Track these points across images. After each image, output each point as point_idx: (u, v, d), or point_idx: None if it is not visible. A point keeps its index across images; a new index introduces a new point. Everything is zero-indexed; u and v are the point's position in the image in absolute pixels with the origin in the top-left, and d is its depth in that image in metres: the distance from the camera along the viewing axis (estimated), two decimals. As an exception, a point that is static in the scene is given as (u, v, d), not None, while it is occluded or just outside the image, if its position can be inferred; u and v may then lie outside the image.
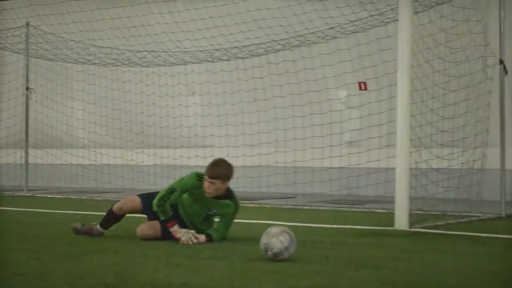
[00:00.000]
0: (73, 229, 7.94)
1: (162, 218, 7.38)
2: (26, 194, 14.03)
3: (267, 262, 6.19)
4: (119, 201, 7.89)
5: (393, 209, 9.08)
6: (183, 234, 7.25)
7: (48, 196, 13.94)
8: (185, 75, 13.60)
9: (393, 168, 8.85)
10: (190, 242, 7.19)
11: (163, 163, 13.91)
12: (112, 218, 7.76)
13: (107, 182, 14.96)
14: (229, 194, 7.43)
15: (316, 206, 11.81)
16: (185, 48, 12.67)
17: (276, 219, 9.90)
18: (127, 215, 7.83)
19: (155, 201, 7.39)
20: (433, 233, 8.67)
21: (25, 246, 7.16)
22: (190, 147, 13.76)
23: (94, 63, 13.89)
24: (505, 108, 10.66)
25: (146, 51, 12.98)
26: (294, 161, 12.80)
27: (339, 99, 12.72)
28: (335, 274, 5.67)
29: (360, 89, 12.49)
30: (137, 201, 7.66)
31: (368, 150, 12.04)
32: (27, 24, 13.93)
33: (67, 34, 13.34)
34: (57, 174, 15.91)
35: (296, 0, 11.01)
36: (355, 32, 11.30)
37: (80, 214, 10.63)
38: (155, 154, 14.24)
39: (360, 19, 10.71)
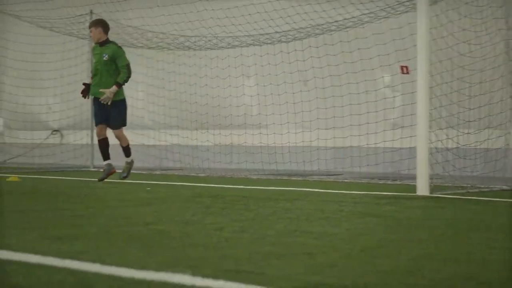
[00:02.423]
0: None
1: None
2: (92, 170, 15.15)
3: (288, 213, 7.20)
4: None
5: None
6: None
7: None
8: (235, 58, 14.60)
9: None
10: (108, 100, 10.94)
11: (217, 142, 14.93)
12: (101, 146, 11.27)
13: (172, 160, 15.67)
14: (109, 41, 11.17)
15: (355, 180, 12.52)
16: (231, 32, 13.71)
17: (313, 187, 10.86)
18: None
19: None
20: (450, 198, 9.42)
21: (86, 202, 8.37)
22: (240, 126, 14.75)
23: (150, 47, 15.03)
24: (526, 87, 11.37)
25: (196, 36, 14.06)
26: (334, 138, 13.64)
27: (374, 80, 13.48)
28: (342, 220, 6.67)
29: (403, 72, 12.74)
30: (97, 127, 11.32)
31: (401, 127, 12.78)
32: (91, 12, 15.19)
33: (125, 21, 14.51)
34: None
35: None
36: (387, 18, 12.14)
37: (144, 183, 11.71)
38: (208, 132, 15.23)
39: (389, 6, 11.63)
